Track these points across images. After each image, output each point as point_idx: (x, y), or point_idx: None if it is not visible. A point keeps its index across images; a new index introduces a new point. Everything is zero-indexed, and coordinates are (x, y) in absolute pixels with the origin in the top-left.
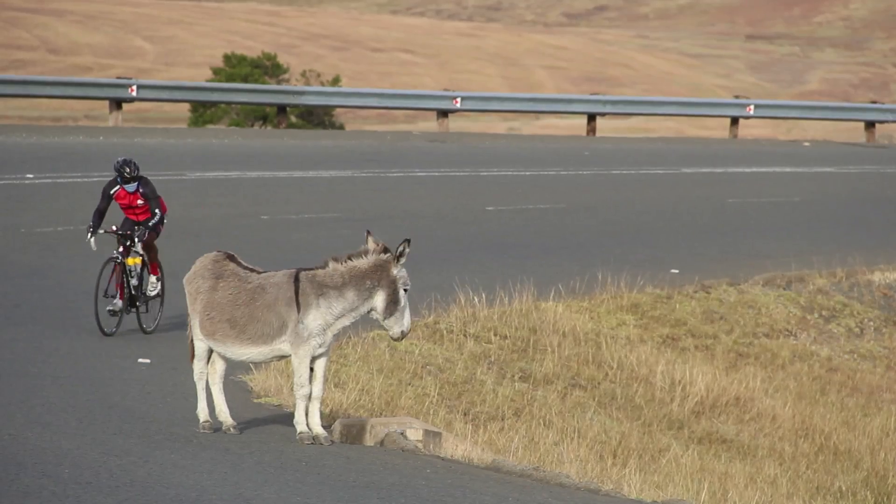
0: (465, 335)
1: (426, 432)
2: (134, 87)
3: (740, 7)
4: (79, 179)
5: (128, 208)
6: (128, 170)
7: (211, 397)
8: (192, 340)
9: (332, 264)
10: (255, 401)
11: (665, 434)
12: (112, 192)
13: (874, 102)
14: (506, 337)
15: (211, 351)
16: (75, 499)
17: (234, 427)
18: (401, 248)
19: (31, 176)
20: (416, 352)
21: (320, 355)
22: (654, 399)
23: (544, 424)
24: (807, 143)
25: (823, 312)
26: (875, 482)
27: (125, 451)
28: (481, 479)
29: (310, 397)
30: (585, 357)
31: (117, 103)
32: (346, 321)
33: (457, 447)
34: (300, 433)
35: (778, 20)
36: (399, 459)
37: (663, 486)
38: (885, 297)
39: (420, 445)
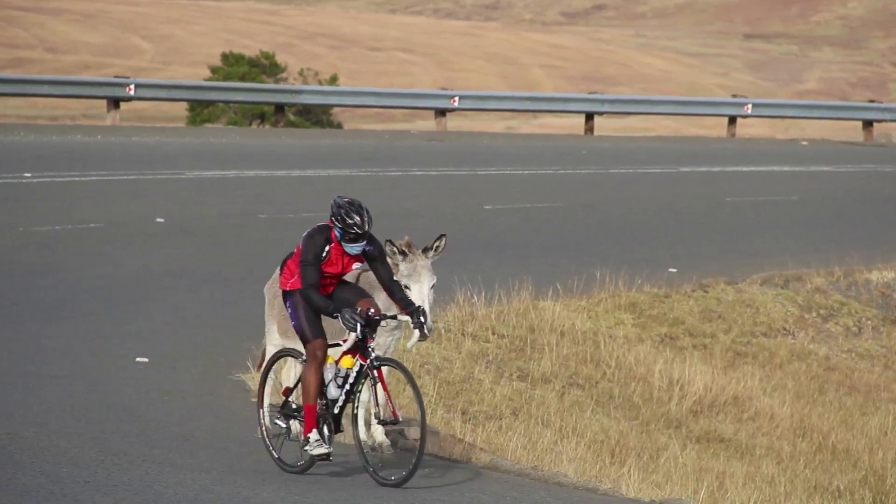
0: (462, 334)
1: None
2: (132, 86)
3: (738, 6)
4: (77, 178)
5: (325, 278)
6: (358, 220)
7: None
8: (263, 351)
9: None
10: (253, 400)
11: (663, 433)
12: (325, 254)
13: (872, 101)
14: (504, 336)
15: None
16: (73, 498)
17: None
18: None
19: (28, 175)
20: (414, 351)
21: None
22: (652, 398)
23: (542, 424)
24: (804, 142)
25: (821, 311)
26: (873, 481)
27: (123, 450)
28: (479, 479)
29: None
30: (583, 356)
31: (115, 102)
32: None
33: (455, 446)
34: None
35: (776, 19)
36: (397, 458)
37: (661, 485)
38: (882, 295)
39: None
